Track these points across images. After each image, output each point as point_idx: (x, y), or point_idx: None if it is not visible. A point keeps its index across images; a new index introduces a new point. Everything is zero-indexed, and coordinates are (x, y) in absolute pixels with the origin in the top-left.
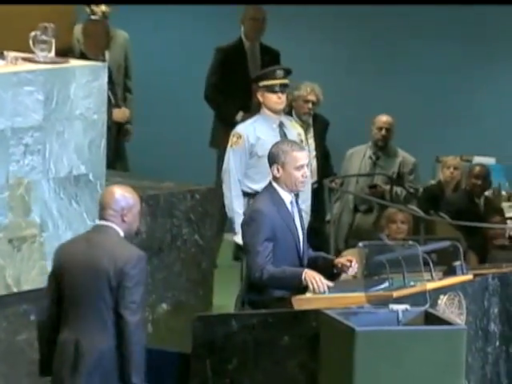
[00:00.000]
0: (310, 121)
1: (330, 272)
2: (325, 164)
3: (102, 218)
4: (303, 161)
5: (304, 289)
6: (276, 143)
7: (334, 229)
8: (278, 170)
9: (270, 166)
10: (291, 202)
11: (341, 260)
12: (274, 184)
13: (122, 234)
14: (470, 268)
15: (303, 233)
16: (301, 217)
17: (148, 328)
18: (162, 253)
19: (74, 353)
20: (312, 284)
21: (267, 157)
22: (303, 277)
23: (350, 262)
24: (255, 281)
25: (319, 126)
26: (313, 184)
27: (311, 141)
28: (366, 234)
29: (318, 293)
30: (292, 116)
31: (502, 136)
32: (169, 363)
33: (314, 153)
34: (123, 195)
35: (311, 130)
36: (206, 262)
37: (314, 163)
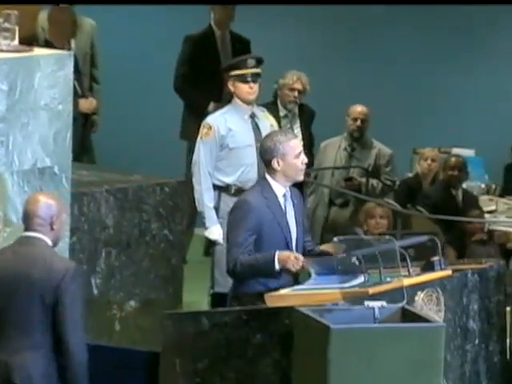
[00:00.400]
0: (296, 110)
1: None
2: (309, 155)
3: (28, 228)
4: (300, 147)
5: (280, 272)
6: (267, 136)
7: (309, 223)
8: (278, 162)
9: (269, 161)
10: (284, 195)
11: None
12: (268, 177)
13: (50, 243)
14: (448, 263)
15: (298, 229)
16: (297, 212)
17: (116, 326)
18: (129, 248)
19: (3, 377)
20: (288, 264)
21: (260, 152)
22: (276, 260)
23: None
24: (229, 273)
25: (306, 117)
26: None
27: (297, 131)
28: (342, 229)
29: (297, 271)
30: (277, 105)
31: (481, 127)
32: (137, 362)
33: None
34: (48, 202)
35: (297, 121)
36: (176, 257)
37: None
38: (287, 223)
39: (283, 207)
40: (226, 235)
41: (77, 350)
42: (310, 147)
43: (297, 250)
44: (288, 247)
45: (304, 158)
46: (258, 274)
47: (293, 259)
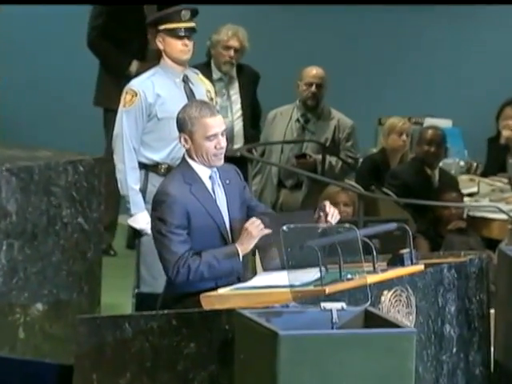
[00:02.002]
0: (234, 72)
1: None
2: (253, 126)
3: None
4: (216, 129)
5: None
6: (183, 107)
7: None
8: (185, 140)
9: (179, 137)
10: (211, 177)
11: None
12: (187, 158)
13: None
14: (420, 256)
15: (233, 216)
16: (230, 196)
17: (19, 333)
18: (36, 239)
19: None
20: (254, 234)
21: (176, 124)
22: (239, 251)
23: (324, 209)
24: (177, 282)
25: (246, 79)
26: (235, 151)
27: (235, 97)
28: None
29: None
30: (210, 66)
31: (458, 93)
32: (46, 377)
33: (238, 112)
34: None
35: (235, 84)
36: (93, 250)
37: (239, 125)
38: (219, 210)
39: (212, 192)
40: (153, 235)
41: None
42: (254, 118)
43: (233, 241)
44: (223, 238)
45: (220, 142)
46: (220, 276)
47: (249, 226)
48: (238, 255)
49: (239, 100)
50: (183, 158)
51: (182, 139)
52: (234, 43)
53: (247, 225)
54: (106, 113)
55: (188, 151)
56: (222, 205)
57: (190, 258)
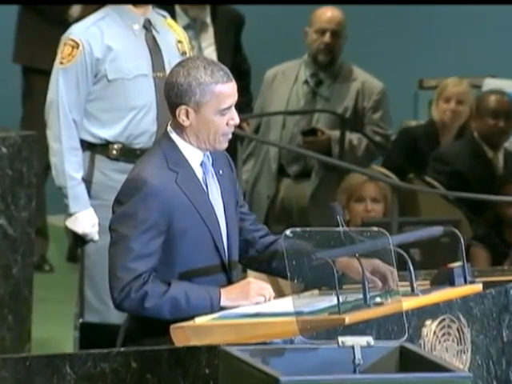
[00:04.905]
0: (206, 16)
1: None
2: (239, 90)
3: None
4: (231, 99)
5: None
6: (182, 65)
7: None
8: (187, 114)
9: (174, 108)
10: (203, 164)
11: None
12: (174, 135)
13: None
14: (477, 272)
15: (229, 217)
16: (225, 189)
17: None
18: None
19: None
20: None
21: (165, 91)
22: (222, 302)
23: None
24: (122, 308)
25: (224, 25)
26: None
27: (210, 50)
28: (299, 214)
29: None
30: (174, 9)
31: None
32: None
33: None
34: None
35: (210, 33)
36: (21, 265)
37: None
38: (212, 209)
39: (203, 184)
40: (111, 234)
41: None
42: (240, 78)
43: (229, 251)
44: (216, 249)
45: (234, 117)
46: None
47: (254, 283)
48: (213, 305)
49: (215, 54)
50: (166, 134)
51: (182, 113)
52: None
53: (252, 280)
54: (26, 73)
55: (181, 128)
56: (217, 203)
57: (152, 282)
